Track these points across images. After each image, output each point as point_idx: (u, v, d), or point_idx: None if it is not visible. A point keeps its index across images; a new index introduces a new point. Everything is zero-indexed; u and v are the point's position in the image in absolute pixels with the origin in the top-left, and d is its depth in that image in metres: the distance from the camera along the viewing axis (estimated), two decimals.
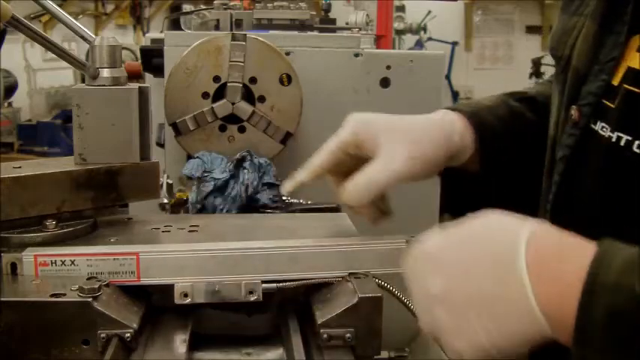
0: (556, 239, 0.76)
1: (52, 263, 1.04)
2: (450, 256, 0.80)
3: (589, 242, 0.74)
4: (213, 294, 1.05)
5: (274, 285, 1.06)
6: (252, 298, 1.05)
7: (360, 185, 1.04)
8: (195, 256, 1.05)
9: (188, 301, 1.04)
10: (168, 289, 1.05)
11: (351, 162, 1.09)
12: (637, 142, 0.85)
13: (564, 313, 0.70)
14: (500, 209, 0.84)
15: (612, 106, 0.90)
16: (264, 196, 1.62)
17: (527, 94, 1.25)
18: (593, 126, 0.93)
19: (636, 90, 0.85)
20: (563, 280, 0.71)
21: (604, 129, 0.91)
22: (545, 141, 1.12)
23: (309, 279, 1.07)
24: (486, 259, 0.76)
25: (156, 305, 1.08)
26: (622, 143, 0.87)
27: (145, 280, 1.05)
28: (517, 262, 0.74)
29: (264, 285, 1.05)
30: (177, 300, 1.04)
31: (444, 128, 1.11)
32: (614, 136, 0.88)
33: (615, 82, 0.90)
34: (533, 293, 0.72)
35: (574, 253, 0.73)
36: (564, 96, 1.02)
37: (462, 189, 1.22)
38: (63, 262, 1.04)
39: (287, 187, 1.14)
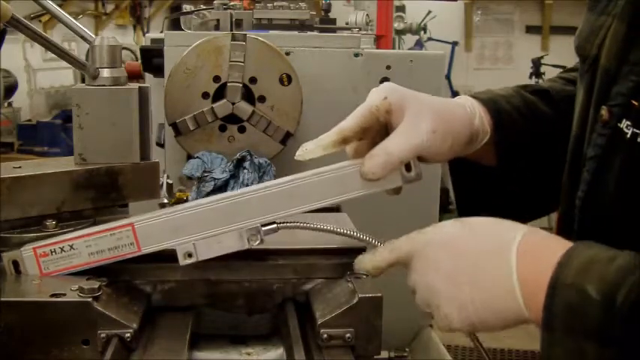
0: (541, 239, 0.91)
1: (51, 252, 1.04)
2: (463, 243, 0.93)
3: (567, 243, 0.88)
4: (216, 247, 1.03)
5: (275, 226, 1.04)
6: (255, 243, 1.04)
7: (378, 159, 1.02)
8: (190, 214, 1.04)
9: (193, 260, 1.03)
10: (170, 289, 1.05)
11: (377, 130, 1.07)
12: None
13: (537, 300, 0.85)
14: (512, 204, 1.08)
15: (637, 104, 0.94)
16: None
17: (540, 87, 1.27)
18: (619, 125, 0.96)
19: None
20: (539, 274, 0.85)
21: (628, 127, 0.95)
22: (558, 134, 1.14)
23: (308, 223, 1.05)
24: (490, 248, 0.91)
25: (156, 305, 1.08)
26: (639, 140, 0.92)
27: (146, 249, 1.04)
28: (511, 252, 0.89)
29: (264, 228, 1.04)
30: (182, 261, 1.03)
31: (466, 109, 1.13)
32: (630, 132, 0.94)
33: None
34: (517, 279, 0.87)
35: (551, 252, 0.86)
36: (593, 95, 1.03)
37: (474, 185, 1.23)
38: (62, 249, 1.04)
39: (308, 148, 1.06)
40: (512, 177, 1.22)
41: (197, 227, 1.04)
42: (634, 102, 0.94)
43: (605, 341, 0.79)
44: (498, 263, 0.89)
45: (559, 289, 0.83)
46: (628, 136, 0.93)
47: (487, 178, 1.21)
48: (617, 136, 0.96)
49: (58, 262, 1.05)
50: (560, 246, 0.87)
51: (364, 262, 1.03)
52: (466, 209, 1.25)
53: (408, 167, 1.05)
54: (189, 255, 1.03)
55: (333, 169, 1.06)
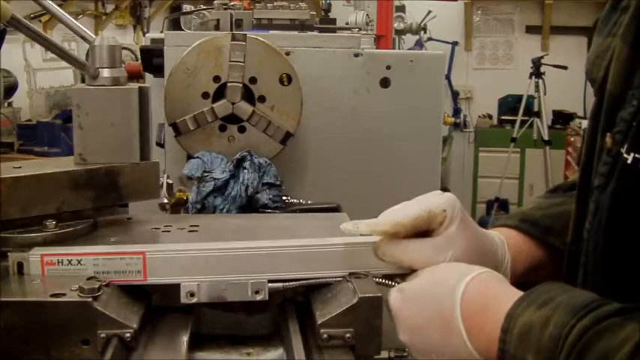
0: (481, 294, 0.94)
1: (58, 262, 1.04)
2: (407, 314, 1.00)
3: (509, 293, 0.92)
4: (220, 293, 1.04)
5: (280, 285, 1.05)
6: (259, 297, 1.04)
7: (395, 246, 1.05)
8: (201, 256, 1.05)
9: (195, 300, 1.03)
10: (169, 288, 1.04)
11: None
12: None
13: (494, 357, 0.90)
14: None
15: (635, 125, 0.90)
16: (264, 196, 1.62)
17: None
18: (621, 150, 0.92)
19: None
20: (488, 332, 0.90)
21: (628, 152, 0.90)
22: None
23: (314, 278, 1.06)
24: (434, 315, 0.96)
25: (156, 305, 1.08)
26: (630, 161, 0.89)
27: (152, 280, 1.04)
28: (455, 317, 0.94)
29: (270, 284, 1.05)
30: (184, 299, 1.03)
31: (498, 256, 1.13)
32: (630, 157, 0.89)
33: None
34: (470, 341, 0.92)
35: (494, 310, 0.91)
36: (600, 122, 1.00)
37: None
38: (69, 262, 1.04)
39: (360, 227, 1.05)
40: None
41: (205, 270, 1.04)
42: (634, 123, 0.90)
43: None
44: (449, 332, 0.94)
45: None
46: (629, 161, 0.89)
47: None
48: (617, 163, 0.93)
49: (62, 274, 1.04)
50: (501, 299, 0.91)
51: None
52: None
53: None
54: (192, 294, 1.03)
55: (346, 242, 1.08)
